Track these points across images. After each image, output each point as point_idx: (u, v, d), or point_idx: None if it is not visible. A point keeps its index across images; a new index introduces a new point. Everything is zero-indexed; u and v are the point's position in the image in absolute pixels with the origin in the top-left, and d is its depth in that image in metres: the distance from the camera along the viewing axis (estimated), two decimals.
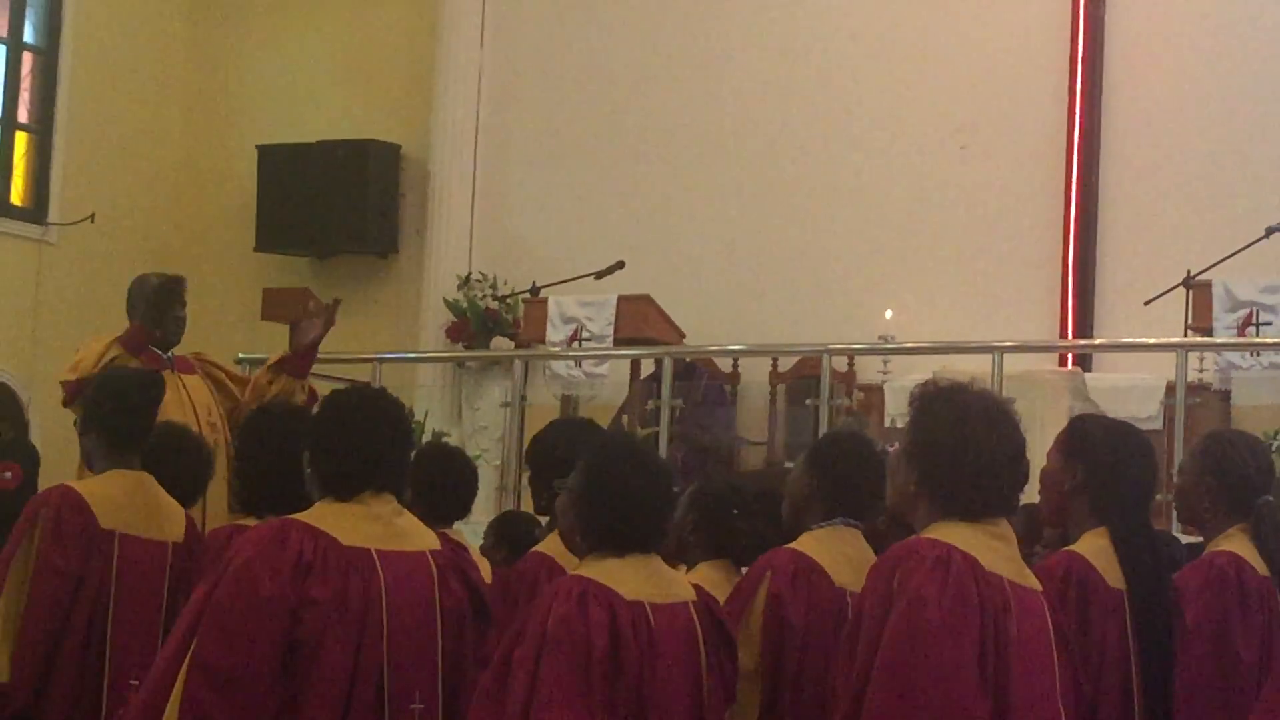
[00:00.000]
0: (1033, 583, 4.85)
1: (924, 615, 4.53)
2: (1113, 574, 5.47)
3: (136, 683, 6.20)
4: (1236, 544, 5.85)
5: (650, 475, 5.24)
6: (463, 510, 7.27)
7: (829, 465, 5.91)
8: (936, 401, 4.87)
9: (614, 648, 4.94)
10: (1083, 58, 14.72)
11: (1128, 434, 5.78)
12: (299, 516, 5.29)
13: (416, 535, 5.44)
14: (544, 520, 7.08)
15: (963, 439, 4.76)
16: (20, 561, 6.18)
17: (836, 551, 5.79)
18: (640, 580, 5.12)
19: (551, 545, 6.31)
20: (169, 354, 9.18)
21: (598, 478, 5.22)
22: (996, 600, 4.64)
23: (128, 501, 6.39)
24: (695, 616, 5.22)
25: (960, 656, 4.53)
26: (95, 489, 6.38)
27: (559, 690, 4.85)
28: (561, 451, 6.27)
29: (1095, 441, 5.65)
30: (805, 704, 5.60)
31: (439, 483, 7.02)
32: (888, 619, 4.58)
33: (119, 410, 6.57)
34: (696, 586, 5.41)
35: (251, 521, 6.42)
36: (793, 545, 5.82)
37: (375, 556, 5.24)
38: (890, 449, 6.34)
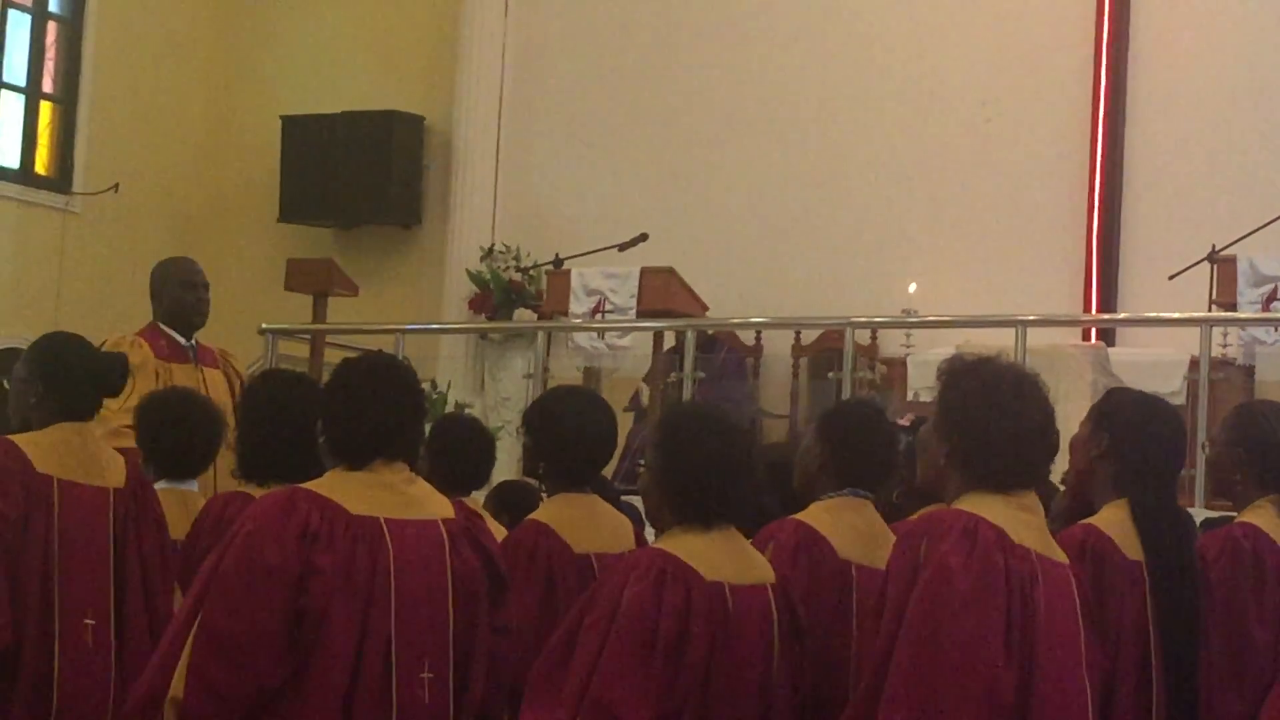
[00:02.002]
0: (1060, 555, 4.85)
1: (950, 585, 4.54)
2: (1130, 546, 5.43)
3: (92, 622, 6.26)
4: (1261, 516, 5.80)
5: (729, 441, 5.20)
6: (480, 479, 7.26)
7: (839, 435, 5.83)
8: (964, 374, 4.87)
9: (682, 632, 4.92)
10: (1109, 31, 14.69)
11: (1158, 408, 5.76)
12: (308, 485, 5.26)
13: (429, 503, 5.40)
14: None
15: (992, 409, 4.77)
16: None
17: (844, 523, 5.72)
18: (723, 559, 5.08)
19: (547, 513, 6.28)
20: (192, 342, 9.16)
21: (675, 447, 5.20)
22: (1024, 571, 4.65)
23: (65, 449, 6.40)
24: (773, 600, 5.21)
25: (985, 626, 4.53)
26: (30, 438, 6.41)
27: (620, 668, 4.84)
28: (568, 420, 6.27)
29: (1124, 412, 5.64)
30: (804, 677, 5.57)
31: (455, 452, 7.02)
32: (913, 589, 4.57)
33: (81, 391, 6.56)
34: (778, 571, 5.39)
35: (251, 489, 6.44)
36: (799, 516, 5.74)
37: (384, 525, 5.21)
38: (902, 421, 6.32)
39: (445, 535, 5.35)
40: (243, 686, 5.00)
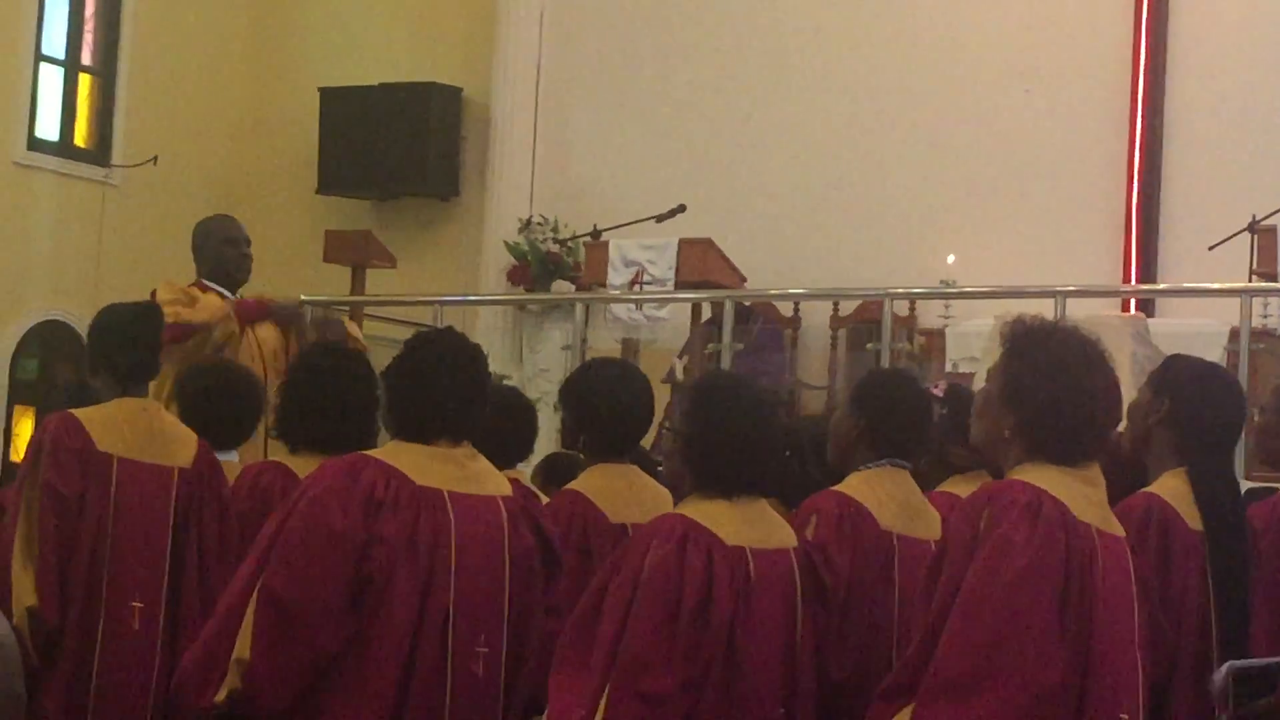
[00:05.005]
0: (1117, 529, 4.81)
1: (1009, 560, 4.51)
2: (1191, 515, 5.41)
3: (140, 605, 6.27)
4: None
5: (760, 415, 5.21)
6: (523, 452, 7.27)
7: (875, 405, 5.83)
8: (1033, 345, 4.80)
9: (706, 596, 4.94)
10: (1148, 1, 14.61)
11: (1218, 375, 5.76)
12: (373, 453, 5.33)
13: (489, 480, 5.44)
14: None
15: (1062, 384, 4.71)
16: (29, 489, 6.23)
17: (884, 493, 5.73)
18: (743, 524, 5.10)
19: (584, 483, 6.30)
20: (238, 298, 9.19)
21: (707, 418, 5.19)
22: (1084, 550, 4.61)
23: (128, 426, 6.40)
24: (795, 565, 5.21)
25: (1041, 605, 4.50)
26: (94, 414, 6.41)
27: (648, 636, 4.86)
28: (604, 392, 6.27)
29: (1184, 378, 5.61)
30: (849, 649, 5.58)
31: (498, 424, 7.02)
32: (971, 560, 4.55)
33: (122, 347, 6.58)
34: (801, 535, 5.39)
35: (285, 458, 6.48)
36: (839, 488, 5.75)
37: (447, 497, 5.26)
38: (935, 390, 6.29)
39: (505, 513, 5.38)
40: (304, 650, 5.05)
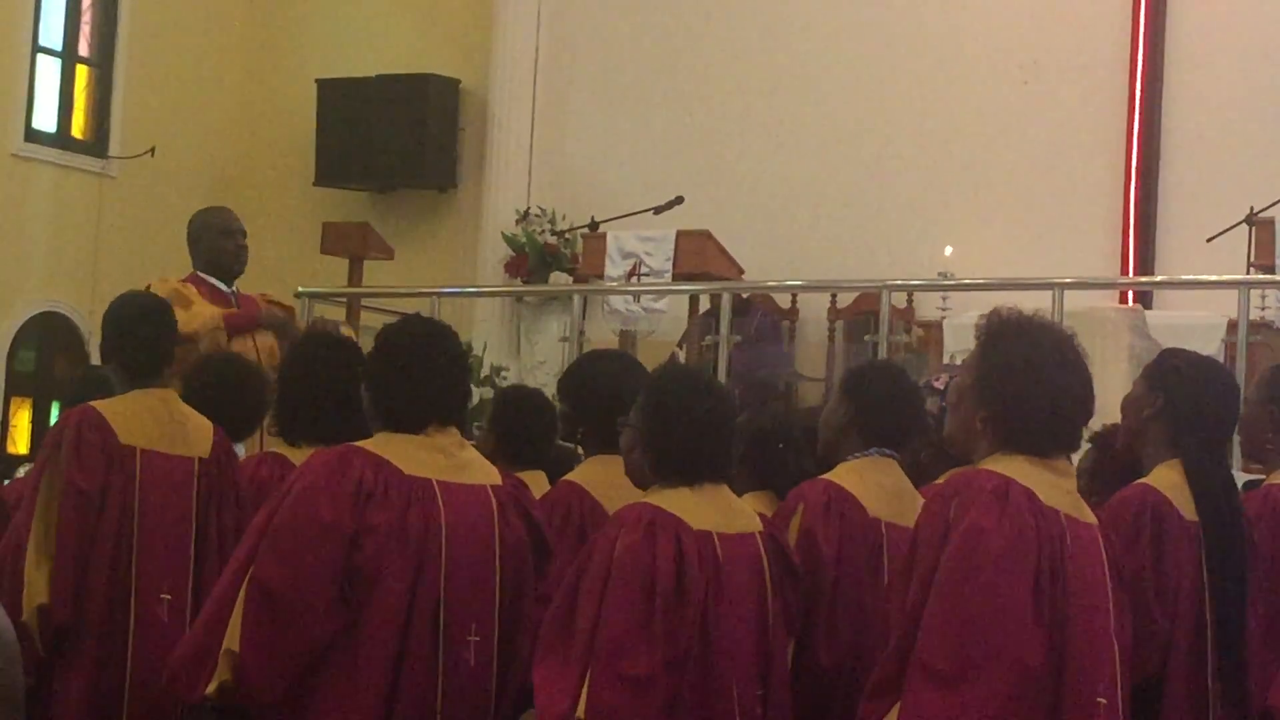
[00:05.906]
0: (1088, 517, 4.81)
1: (982, 547, 4.51)
2: (1186, 506, 5.42)
3: (168, 597, 6.27)
4: None
5: (713, 401, 5.23)
6: (544, 454, 7.27)
7: (863, 396, 5.88)
8: (1006, 338, 4.81)
9: (679, 579, 4.94)
10: None
11: (1213, 369, 5.76)
12: (362, 444, 5.32)
13: (478, 469, 5.45)
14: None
15: (1035, 380, 4.71)
16: (47, 483, 6.22)
17: (872, 482, 5.77)
18: (708, 510, 5.11)
19: (581, 474, 6.31)
20: (234, 289, 9.19)
21: (662, 408, 5.21)
22: (1054, 534, 4.62)
23: (149, 418, 6.40)
24: (762, 548, 5.22)
25: (1016, 589, 4.51)
26: (114, 407, 6.40)
27: (624, 620, 4.86)
28: (603, 384, 6.28)
29: (1179, 372, 5.61)
30: (839, 635, 5.60)
31: (520, 427, 7.02)
32: (943, 549, 4.55)
33: (132, 344, 6.58)
34: (763, 517, 5.41)
35: (286, 449, 6.48)
36: (827, 476, 5.80)
37: (436, 487, 5.27)
38: (936, 383, 6.31)
39: (494, 501, 5.39)
40: (294, 641, 5.06)
